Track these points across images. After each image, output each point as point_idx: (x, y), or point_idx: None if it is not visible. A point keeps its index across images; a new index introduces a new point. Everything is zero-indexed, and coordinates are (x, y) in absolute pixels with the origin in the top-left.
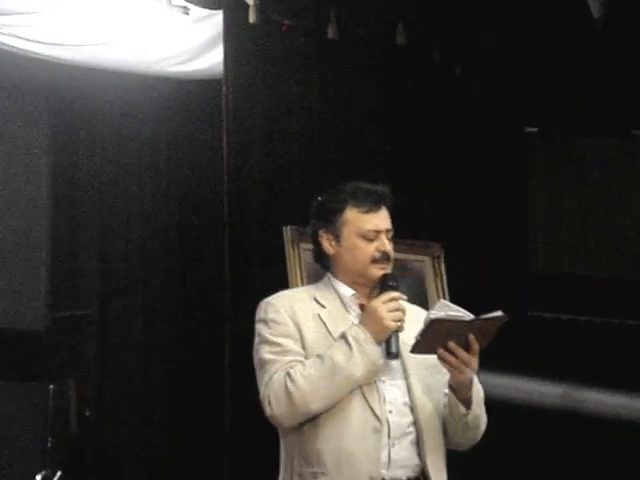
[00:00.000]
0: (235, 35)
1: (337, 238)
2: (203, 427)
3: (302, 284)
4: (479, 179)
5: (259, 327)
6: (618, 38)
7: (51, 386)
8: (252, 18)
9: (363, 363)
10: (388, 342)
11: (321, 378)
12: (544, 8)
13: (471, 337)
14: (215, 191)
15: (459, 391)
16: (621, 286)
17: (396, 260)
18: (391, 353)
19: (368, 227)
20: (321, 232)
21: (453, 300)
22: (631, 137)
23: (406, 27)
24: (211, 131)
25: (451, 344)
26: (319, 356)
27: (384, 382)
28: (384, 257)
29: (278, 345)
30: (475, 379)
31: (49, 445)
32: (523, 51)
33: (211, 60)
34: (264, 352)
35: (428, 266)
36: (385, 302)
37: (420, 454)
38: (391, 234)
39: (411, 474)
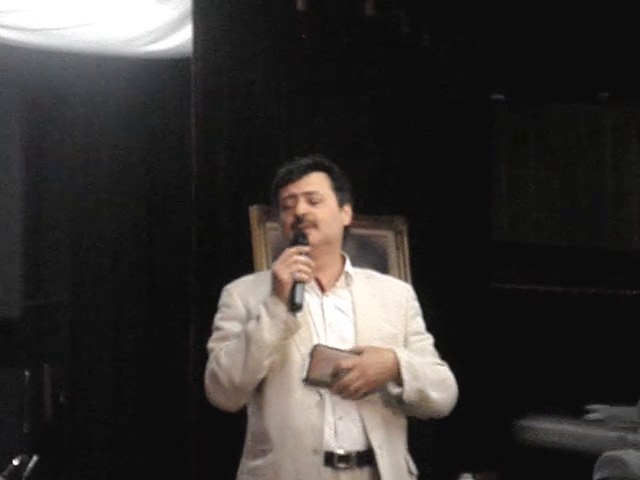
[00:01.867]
0: (204, 11)
1: (278, 219)
2: (174, 411)
3: (268, 263)
4: (442, 149)
5: (215, 315)
6: (581, 2)
7: (26, 372)
8: None
9: (271, 324)
10: (291, 294)
11: (238, 351)
12: None
13: None
14: (184, 174)
15: None
16: (582, 255)
17: (359, 235)
18: (294, 304)
19: (284, 196)
20: (275, 218)
21: (414, 273)
22: (598, 100)
23: None
24: (180, 111)
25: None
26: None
27: None
28: (300, 221)
29: (222, 330)
30: (406, 353)
31: (25, 430)
32: (489, 18)
33: (179, 39)
34: (210, 341)
35: (391, 241)
36: (283, 259)
37: (366, 428)
38: (316, 196)
39: (360, 447)
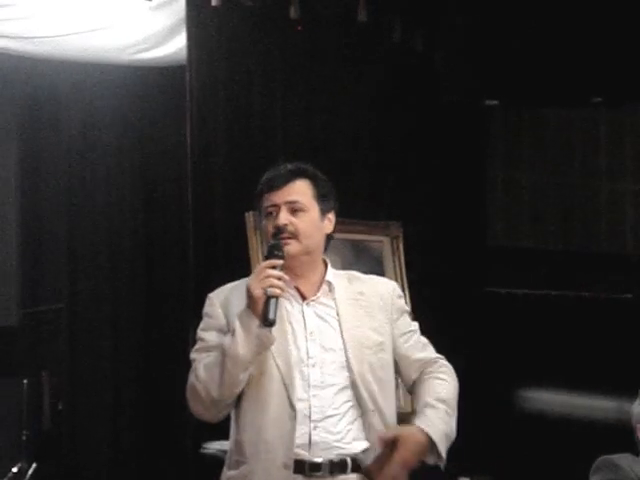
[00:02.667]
0: (198, 19)
1: (262, 223)
2: (173, 417)
3: None
4: (438, 153)
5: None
6: (577, 4)
7: (25, 380)
8: (215, 1)
9: (245, 340)
10: (264, 310)
11: (215, 364)
12: None
13: None
14: (180, 180)
15: None
16: (577, 259)
17: (355, 241)
18: (267, 320)
19: (266, 204)
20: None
21: (410, 278)
22: (591, 105)
23: (367, 3)
24: (175, 118)
25: None
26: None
27: (314, 366)
28: (280, 231)
29: (203, 340)
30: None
31: (24, 438)
32: (483, 23)
33: (174, 47)
34: (192, 352)
35: (387, 246)
36: (257, 274)
37: (366, 434)
38: (297, 205)
39: (335, 456)
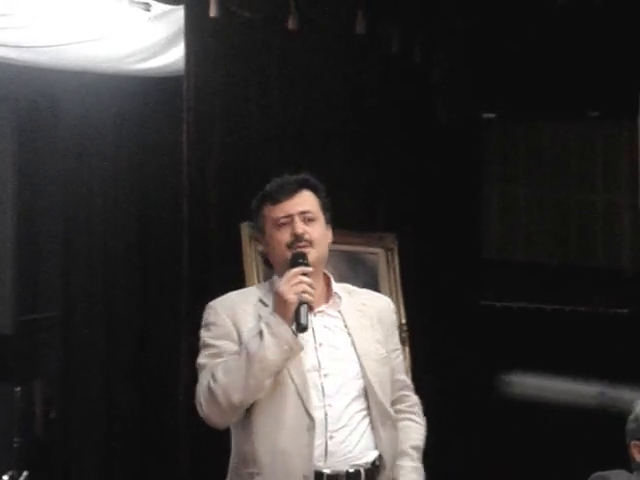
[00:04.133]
0: (196, 30)
1: (263, 236)
2: (166, 428)
3: (259, 281)
4: (434, 166)
5: (201, 332)
6: (575, 19)
7: (17, 388)
8: (213, 12)
9: (275, 344)
10: (296, 315)
11: (238, 369)
12: None
13: None
14: (176, 191)
15: None
16: (573, 273)
17: (350, 253)
18: (299, 325)
19: (278, 215)
20: (256, 235)
21: (405, 291)
22: (587, 119)
23: (366, 16)
24: (173, 128)
25: None
26: (239, 351)
27: (326, 376)
28: (298, 240)
29: (214, 347)
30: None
31: (15, 446)
32: (481, 37)
33: (172, 57)
34: (201, 357)
35: (382, 258)
36: (288, 279)
37: (376, 443)
38: (310, 215)
39: (350, 467)
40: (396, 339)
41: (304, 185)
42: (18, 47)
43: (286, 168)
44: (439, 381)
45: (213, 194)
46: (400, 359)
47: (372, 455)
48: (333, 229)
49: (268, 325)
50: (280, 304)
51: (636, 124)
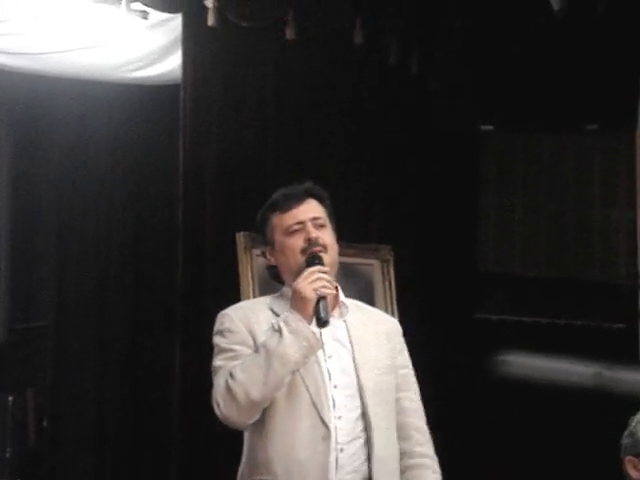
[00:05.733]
0: (194, 39)
1: (272, 246)
2: (159, 437)
3: (253, 290)
4: (431, 178)
5: (216, 339)
6: (573, 32)
7: (10, 397)
8: (211, 21)
9: (294, 340)
10: (316, 312)
11: (257, 366)
12: (500, 4)
13: None
14: (172, 198)
15: None
16: (569, 286)
17: (345, 264)
18: (320, 320)
19: (290, 222)
20: (263, 248)
21: (400, 303)
22: (586, 132)
23: (363, 26)
24: (169, 136)
25: None
26: (256, 349)
27: (336, 387)
28: (313, 245)
29: (232, 351)
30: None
31: (7, 455)
32: (478, 49)
33: (169, 65)
34: (217, 360)
35: (377, 269)
36: (305, 277)
37: (369, 459)
38: (321, 222)
39: (359, 479)
40: (405, 358)
41: (310, 193)
42: (15, 54)
43: (282, 177)
44: (434, 392)
45: (209, 202)
46: (411, 379)
47: (372, 469)
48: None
49: (286, 322)
50: (298, 301)
51: (633, 137)
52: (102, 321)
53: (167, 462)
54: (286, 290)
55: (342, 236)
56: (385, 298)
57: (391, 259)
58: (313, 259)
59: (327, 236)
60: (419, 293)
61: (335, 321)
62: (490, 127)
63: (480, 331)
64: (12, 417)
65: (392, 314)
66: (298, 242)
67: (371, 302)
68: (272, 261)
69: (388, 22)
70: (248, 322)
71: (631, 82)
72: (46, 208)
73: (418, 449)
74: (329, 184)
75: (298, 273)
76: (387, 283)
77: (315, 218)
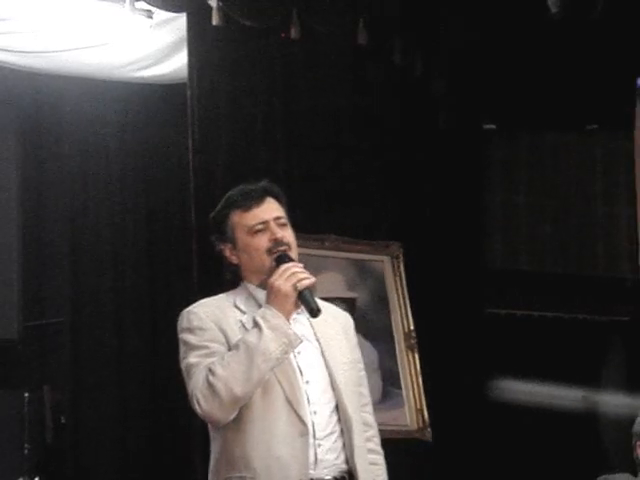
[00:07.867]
0: (199, 38)
1: (234, 245)
2: (178, 431)
3: None
4: (437, 177)
5: (184, 336)
6: (573, 33)
7: (26, 394)
8: (215, 20)
9: (274, 337)
10: (305, 303)
11: (239, 362)
12: (502, 4)
13: None
14: (182, 196)
15: None
16: (574, 281)
17: (356, 260)
18: (312, 309)
19: (253, 222)
20: (220, 246)
21: (412, 298)
22: (586, 132)
23: (367, 26)
24: (177, 135)
25: None
26: (235, 346)
27: (308, 383)
28: (279, 245)
29: (205, 348)
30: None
31: (26, 452)
32: (482, 48)
33: (175, 64)
34: (191, 357)
35: (387, 265)
36: (281, 274)
37: (347, 452)
38: (283, 221)
39: (337, 473)
40: (359, 352)
41: (269, 192)
42: (21, 52)
43: (291, 174)
44: (445, 386)
45: (219, 201)
46: (363, 373)
47: (349, 462)
48: (337, 236)
49: (265, 319)
50: (276, 297)
51: (633, 137)
52: (118, 316)
53: (190, 454)
54: (248, 286)
55: (353, 233)
56: (397, 293)
57: (401, 255)
58: (282, 258)
59: (290, 235)
60: (429, 289)
61: (299, 317)
62: (493, 126)
63: (490, 325)
64: (29, 414)
65: (404, 309)
66: (262, 242)
67: (384, 297)
68: (234, 260)
69: (391, 23)
70: (217, 320)
71: (630, 82)
72: (56, 205)
73: (371, 445)
74: (339, 183)
75: (264, 272)
76: (398, 279)
77: (278, 217)
